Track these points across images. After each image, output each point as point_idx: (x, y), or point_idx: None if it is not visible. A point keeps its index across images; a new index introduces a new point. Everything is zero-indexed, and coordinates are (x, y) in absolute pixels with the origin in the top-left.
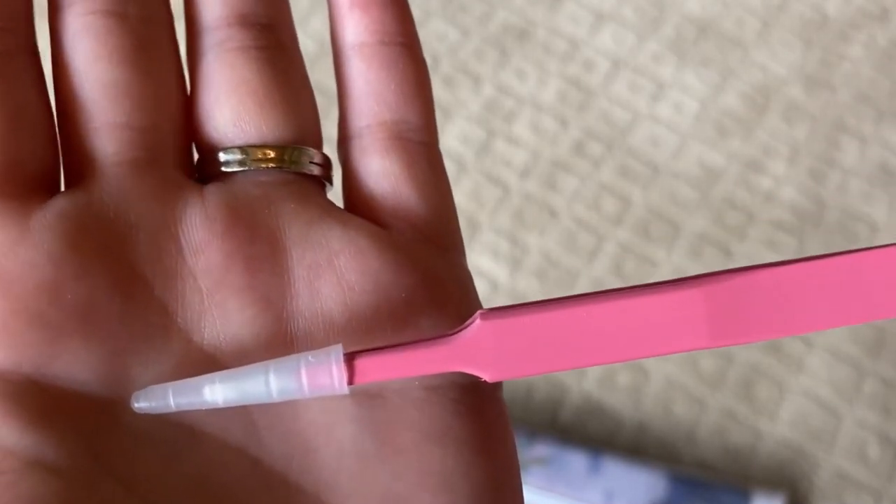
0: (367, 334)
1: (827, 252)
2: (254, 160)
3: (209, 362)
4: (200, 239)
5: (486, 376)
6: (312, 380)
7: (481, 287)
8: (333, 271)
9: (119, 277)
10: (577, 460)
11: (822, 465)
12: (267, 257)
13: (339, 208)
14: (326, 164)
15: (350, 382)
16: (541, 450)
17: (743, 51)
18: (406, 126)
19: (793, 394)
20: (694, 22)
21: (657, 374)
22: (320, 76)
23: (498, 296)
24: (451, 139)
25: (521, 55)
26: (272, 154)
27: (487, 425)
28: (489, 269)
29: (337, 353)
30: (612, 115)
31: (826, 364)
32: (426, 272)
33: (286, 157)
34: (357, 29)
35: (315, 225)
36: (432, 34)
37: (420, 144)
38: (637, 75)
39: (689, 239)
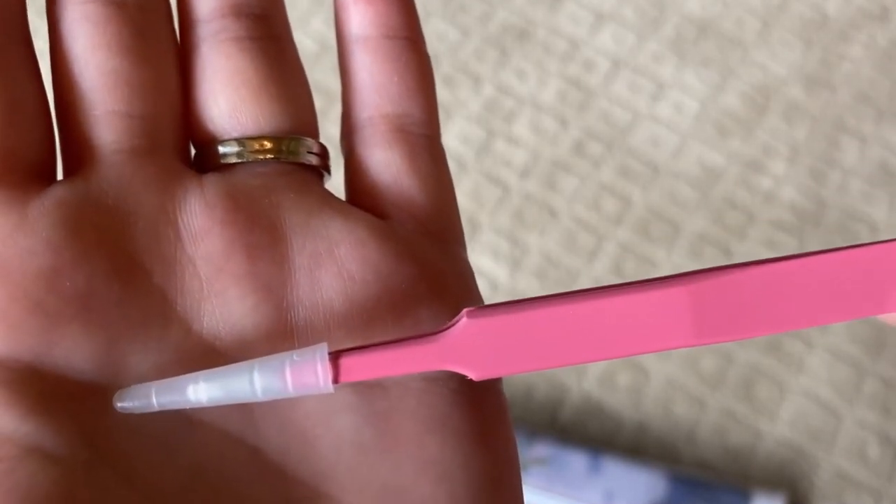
0: (366, 324)
1: None
2: (251, 152)
3: (208, 351)
4: (200, 226)
5: (473, 375)
6: (297, 379)
7: (481, 287)
8: (334, 261)
9: (118, 265)
10: (576, 460)
11: (822, 465)
12: (267, 246)
13: (337, 199)
14: (324, 153)
15: (335, 381)
16: (541, 450)
17: (743, 51)
18: (409, 119)
19: (793, 394)
20: (694, 22)
21: (657, 375)
22: (320, 76)
23: (498, 296)
24: (452, 139)
25: (521, 55)
26: (269, 145)
27: (487, 416)
28: (489, 269)
29: (322, 352)
30: (612, 115)
31: (826, 364)
32: (426, 263)
33: (284, 148)
34: (362, 22)
35: (315, 215)
36: (432, 34)
37: (422, 137)
38: (637, 75)
39: (689, 239)
